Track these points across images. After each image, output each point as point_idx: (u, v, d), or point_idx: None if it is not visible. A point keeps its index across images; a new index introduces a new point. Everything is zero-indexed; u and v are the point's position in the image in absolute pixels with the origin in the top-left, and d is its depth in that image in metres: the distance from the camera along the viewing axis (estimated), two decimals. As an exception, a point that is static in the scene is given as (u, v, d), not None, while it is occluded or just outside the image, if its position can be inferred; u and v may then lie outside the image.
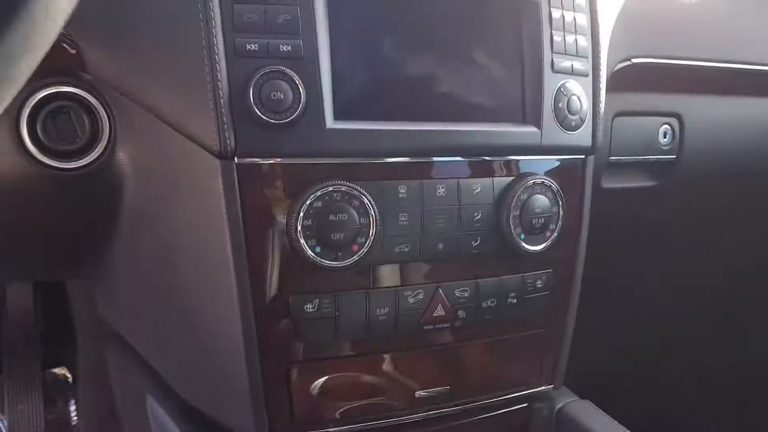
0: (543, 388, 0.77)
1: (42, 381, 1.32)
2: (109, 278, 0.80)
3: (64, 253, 0.74)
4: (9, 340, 1.33)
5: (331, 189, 0.59)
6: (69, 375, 1.41)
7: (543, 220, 0.68)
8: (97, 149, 0.62)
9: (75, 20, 0.57)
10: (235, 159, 0.57)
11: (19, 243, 0.70)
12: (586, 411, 0.77)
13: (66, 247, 0.73)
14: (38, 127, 0.59)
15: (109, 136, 0.62)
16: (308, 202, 0.58)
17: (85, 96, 0.60)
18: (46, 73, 0.59)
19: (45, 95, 0.59)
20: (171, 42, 0.57)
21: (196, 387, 0.70)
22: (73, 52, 0.59)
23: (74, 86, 0.60)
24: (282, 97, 0.56)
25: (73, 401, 1.39)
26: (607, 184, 0.94)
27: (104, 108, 0.61)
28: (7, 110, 0.58)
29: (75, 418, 1.39)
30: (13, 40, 0.28)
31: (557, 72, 0.69)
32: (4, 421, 1.32)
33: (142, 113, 0.59)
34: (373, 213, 0.60)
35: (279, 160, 0.59)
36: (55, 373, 1.41)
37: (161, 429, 0.78)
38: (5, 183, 0.60)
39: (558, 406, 0.78)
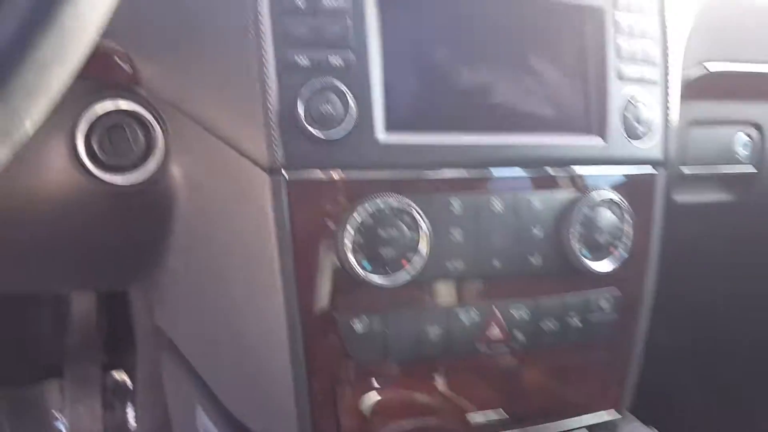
0: (605, 414, 0.73)
1: (102, 385, 1.35)
2: (165, 288, 0.80)
3: (120, 265, 0.75)
4: (71, 344, 1.37)
5: (380, 203, 0.57)
6: (128, 380, 1.45)
7: (609, 237, 0.64)
8: (151, 164, 0.62)
9: (129, 36, 0.58)
10: (284, 173, 0.56)
11: (74, 256, 0.71)
12: (652, 439, 0.73)
13: (121, 258, 0.74)
14: (94, 141, 0.60)
15: (163, 150, 0.62)
16: (357, 217, 0.56)
17: (141, 111, 0.61)
18: (101, 88, 0.60)
19: (101, 110, 0.60)
20: (222, 56, 0.57)
21: (243, 402, 0.69)
22: (128, 67, 0.59)
23: (130, 101, 0.60)
24: (332, 110, 0.54)
25: (131, 406, 1.42)
26: (681, 198, 0.88)
27: (158, 122, 0.61)
28: (62, 125, 0.59)
29: (133, 423, 1.41)
30: (44, 49, 0.28)
31: (623, 80, 0.65)
32: (65, 423, 1.36)
33: (195, 127, 0.59)
34: (424, 228, 0.58)
35: (328, 173, 0.57)
36: (114, 378, 1.44)
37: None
38: (61, 198, 0.61)
39: (622, 434, 0.73)
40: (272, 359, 0.61)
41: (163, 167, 0.62)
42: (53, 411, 1.38)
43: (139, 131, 0.61)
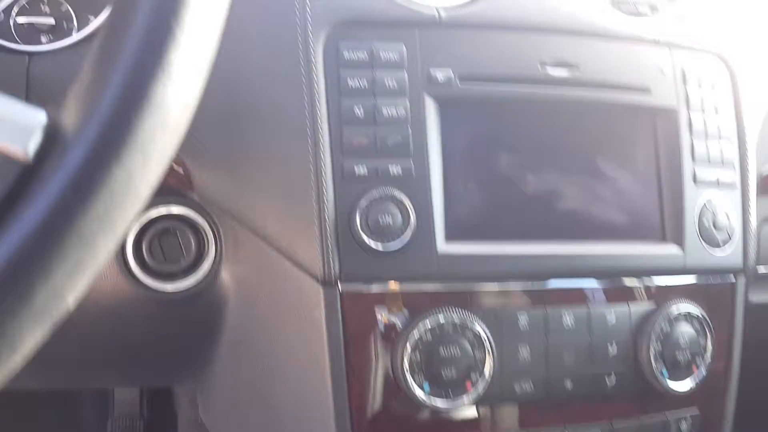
0: None
1: None
2: (210, 388, 0.77)
3: (166, 366, 0.73)
4: (113, 430, 1.34)
5: (441, 318, 0.53)
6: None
7: (689, 355, 0.59)
8: (202, 270, 0.60)
9: (183, 140, 0.57)
10: (339, 286, 0.53)
11: (121, 356, 0.69)
12: None
13: (168, 360, 0.71)
14: (144, 248, 0.58)
15: (215, 257, 0.60)
16: (416, 334, 0.52)
17: (193, 216, 0.59)
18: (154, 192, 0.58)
19: (153, 215, 0.58)
20: (278, 163, 0.55)
21: None
22: (181, 171, 0.58)
23: (183, 206, 0.59)
24: (390, 221, 0.52)
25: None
26: (757, 298, 0.82)
27: (211, 228, 0.59)
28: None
29: None
30: (89, 220, 0.25)
31: (700, 184, 0.61)
32: None
33: (248, 234, 0.57)
34: (489, 346, 0.54)
35: (385, 286, 0.54)
36: (157, 469, 1.39)
37: None
38: (107, 302, 0.60)
39: None
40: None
41: (213, 274, 0.60)
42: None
43: (191, 237, 0.59)
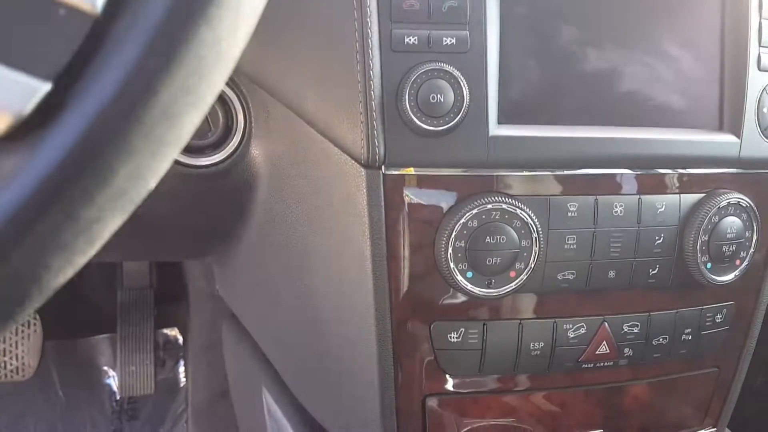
0: (705, 431, 0.67)
1: (153, 342, 1.34)
2: (235, 265, 0.76)
3: (197, 240, 0.71)
4: (124, 301, 1.36)
5: (489, 206, 0.50)
6: (180, 336, 1.43)
7: (734, 247, 0.57)
8: (230, 145, 0.56)
9: None
10: (383, 169, 0.49)
11: (154, 233, 0.66)
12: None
13: (195, 236, 0.69)
14: None
15: (243, 132, 0.56)
16: (462, 221, 0.50)
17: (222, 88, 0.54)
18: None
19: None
20: (321, 32, 0.50)
21: (319, 402, 0.65)
22: None
23: None
24: (442, 99, 0.47)
25: (182, 363, 1.41)
26: None
27: (240, 101, 0.55)
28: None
29: (183, 379, 1.41)
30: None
31: (764, 70, 0.57)
32: (115, 378, 1.36)
33: (282, 109, 0.53)
34: (536, 234, 0.51)
35: (432, 171, 0.50)
36: (166, 334, 1.43)
37: (276, 426, 0.74)
38: None
39: (721, 453, 0.67)
40: (357, 367, 0.56)
41: (243, 149, 0.57)
42: (104, 368, 1.38)
43: (219, 111, 0.55)
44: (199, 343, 1.26)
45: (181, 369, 1.42)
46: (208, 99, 0.23)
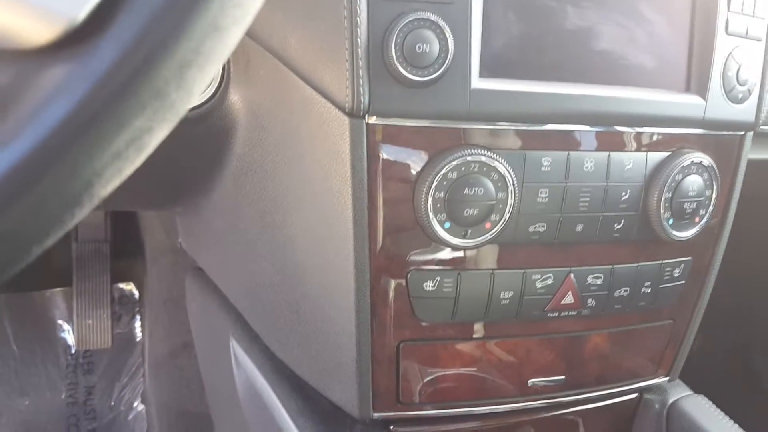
0: (657, 380, 0.71)
1: (110, 296, 1.32)
2: (204, 217, 0.75)
3: (164, 191, 0.70)
4: (79, 254, 1.33)
5: (469, 158, 0.51)
6: (136, 291, 1.42)
7: (695, 205, 0.60)
8: (207, 90, 0.55)
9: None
10: (366, 118, 0.50)
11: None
12: (700, 407, 0.71)
13: (167, 186, 0.68)
14: None
15: (222, 76, 0.55)
16: (443, 172, 0.51)
17: None
18: None
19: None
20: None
21: (293, 350, 0.66)
22: None
23: None
24: (428, 49, 0.48)
25: (138, 318, 1.40)
26: (753, 155, 0.83)
27: None
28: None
29: (139, 334, 1.40)
30: None
31: (731, 34, 0.59)
32: (70, 332, 1.34)
33: (263, 55, 0.52)
34: (512, 187, 0.53)
35: (414, 122, 0.51)
36: (122, 289, 1.41)
37: (245, 377, 0.75)
38: None
39: (671, 400, 0.71)
40: (334, 314, 0.57)
41: (221, 95, 0.56)
42: (59, 322, 1.36)
43: None
44: (158, 297, 1.25)
45: (137, 324, 1.40)
46: (252, 14, 0.24)
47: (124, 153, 0.23)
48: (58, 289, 1.35)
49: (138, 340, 1.41)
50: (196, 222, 0.80)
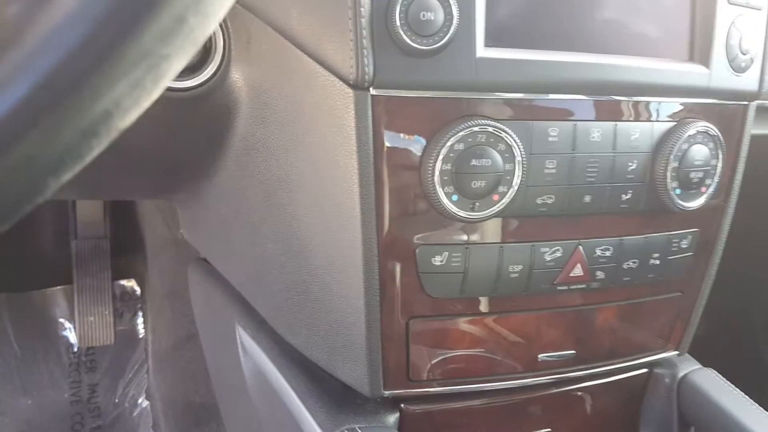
0: (667, 354, 0.71)
1: (111, 293, 1.32)
2: (205, 203, 0.75)
3: (165, 177, 0.69)
4: (79, 251, 1.32)
5: (476, 129, 0.51)
6: (137, 287, 1.41)
7: (702, 174, 0.60)
8: (208, 68, 0.55)
9: None
10: (371, 90, 0.49)
11: (118, 166, 0.64)
12: (710, 380, 0.71)
13: (168, 170, 0.67)
14: None
15: (223, 54, 0.54)
16: (449, 143, 0.51)
17: None
18: None
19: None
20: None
21: (301, 331, 0.65)
22: None
23: None
24: (432, 17, 0.47)
25: (140, 314, 1.39)
26: (756, 130, 0.83)
27: (219, 22, 0.53)
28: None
29: (142, 330, 1.39)
30: None
31: (733, 3, 0.59)
32: (72, 330, 1.33)
33: (265, 31, 0.52)
34: (519, 158, 0.52)
35: (420, 93, 0.50)
36: (123, 285, 1.40)
37: (253, 364, 0.75)
38: None
39: (681, 374, 0.71)
40: (342, 292, 0.57)
41: (222, 73, 0.55)
42: (60, 320, 1.35)
43: None
44: (160, 292, 1.24)
45: (140, 320, 1.40)
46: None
47: (142, 81, 0.22)
48: (58, 287, 1.34)
49: (141, 336, 1.40)
50: (198, 210, 0.79)
